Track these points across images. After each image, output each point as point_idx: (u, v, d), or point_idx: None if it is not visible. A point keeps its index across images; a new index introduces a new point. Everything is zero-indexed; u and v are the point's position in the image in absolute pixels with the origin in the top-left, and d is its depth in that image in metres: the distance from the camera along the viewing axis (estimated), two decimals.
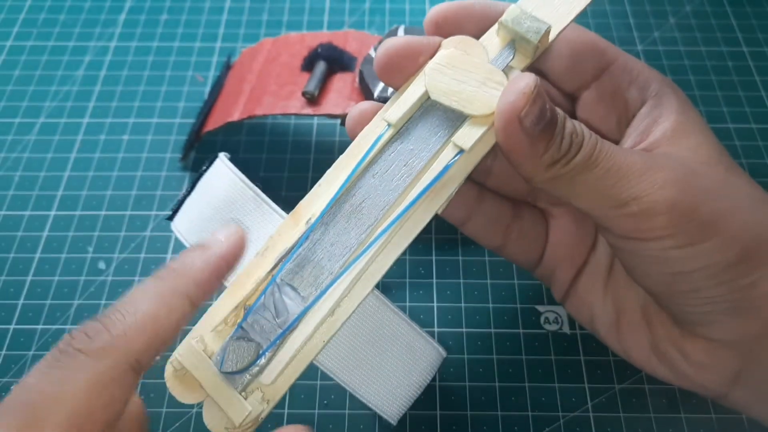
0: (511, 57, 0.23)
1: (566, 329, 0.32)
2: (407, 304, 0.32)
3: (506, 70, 0.23)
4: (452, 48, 0.23)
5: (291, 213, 0.24)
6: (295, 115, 0.32)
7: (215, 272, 0.23)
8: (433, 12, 0.24)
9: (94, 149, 0.39)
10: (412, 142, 0.24)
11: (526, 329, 0.32)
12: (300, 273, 0.23)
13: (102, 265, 0.34)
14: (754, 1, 0.46)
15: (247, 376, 0.22)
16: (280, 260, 0.23)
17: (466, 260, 0.34)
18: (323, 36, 0.34)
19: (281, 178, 0.37)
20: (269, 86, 0.33)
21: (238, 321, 0.23)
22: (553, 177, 0.21)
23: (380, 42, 0.29)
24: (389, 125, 0.24)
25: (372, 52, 0.30)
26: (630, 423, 0.29)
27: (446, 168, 0.23)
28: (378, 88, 0.29)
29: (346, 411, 0.30)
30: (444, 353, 0.25)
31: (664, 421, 0.29)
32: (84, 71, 0.43)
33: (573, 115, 0.26)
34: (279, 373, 0.22)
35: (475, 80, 0.23)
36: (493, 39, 0.24)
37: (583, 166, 0.21)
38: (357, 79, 0.31)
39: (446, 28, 0.24)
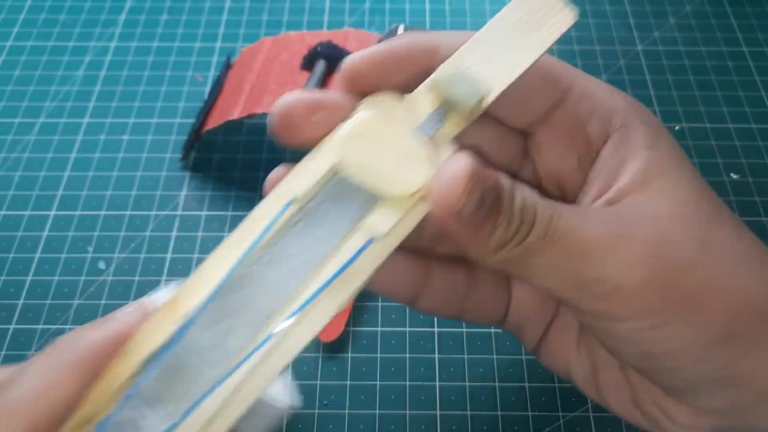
0: (442, 123, 0.20)
1: None
2: None
3: (436, 137, 0.20)
4: (371, 111, 0.20)
5: (167, 302, 0.19)
6: None
7: (111, 344, 0.19)
8: (348, 63, 0.20)
9: (94, 149, 0.39)
10: (318, 223, 0.20)
11: None
12: (169, 380, 0.19)
13: (102, 265, 0.34)
14: (754, 1, 0.46)
15: None
16: (145, 363, 0.19)
17: None
18: (323, 35, 0.34)
19: None
20: (269, 85, 0.33)
21: None
22: (504, 259, 0.18)
23: (380, 41, 0.29)
24: (291, 201, 0.20)
25: None
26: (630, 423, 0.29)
27: (355, 256, 0.20)
28: None
29: (346, 411, 0.30)
30: (285, 407, 0.22)
31: None
32: (84, 71, 0.43)
33: (524, 154, 0.23)
34: None
35: (395, 155, 0.20)
36: (423, 97, 0.20)
37: (537, 246, 0.18)
38: None
39: (367, 82, 0.20)
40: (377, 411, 0.30)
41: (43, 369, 0.18)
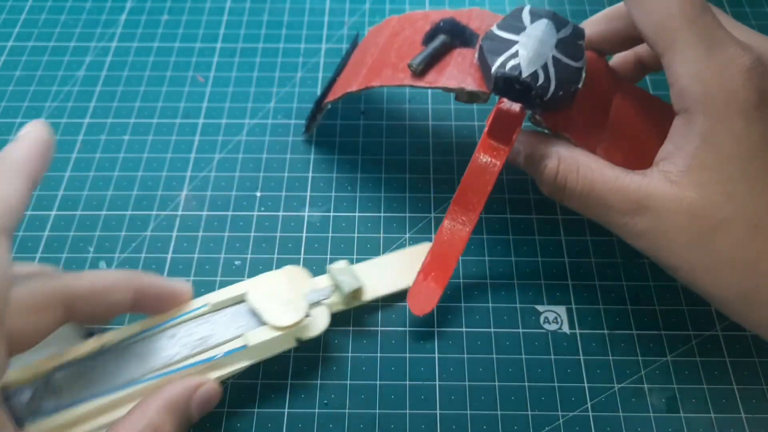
0: (326, 297, 0.30)
1: (566, 329, 0.32)
2: (407, 303, 0.32)
3: (315, 304, 0.30)
4: (283, 271, 0.31)
5: (101, 334, 0.28)
6: (411, 86, 0.32)
7: (37, 153, 0.24)
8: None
9: (95, 149, 0.39)
10: (217, 323, 0.29)
11: (525, 329, 0.32)
12: (74, 380, 0.27)
13: (103, 265, 0.34)
14: (753, 2, 0.46)
15: None
16: (65, 364, 0.27)
17: (466, 260, 0.34)
18: (447, 13, 0.34)
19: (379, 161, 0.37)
20: (390, 59, 0.33)
21: (11, 390, 0.26)
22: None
23: (504, 19, 0.30)
24: (206, 304, 0.29)
25: (494, 28, 0.30)
26: (629, 423, 0.29)
27: (226, 353, 0.28)
28: (496, 63, 0.29)
29: (347, 411, 0.30)
30: None
31: (664, 420, 0.29)
32: (85, 72, 0.43)
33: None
34: None
35: (283, 300, 0.29)
36: (325, 277, 0.31)
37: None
38: (477, 55, 0.31)
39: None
40: (377, 411, 0.30)
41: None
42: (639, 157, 0.29)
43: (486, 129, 0.30)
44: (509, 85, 0.29)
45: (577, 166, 0.27)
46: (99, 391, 0.26)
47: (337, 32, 0.45)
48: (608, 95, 0.31)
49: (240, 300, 0.30)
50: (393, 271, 0.32)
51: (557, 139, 0.29)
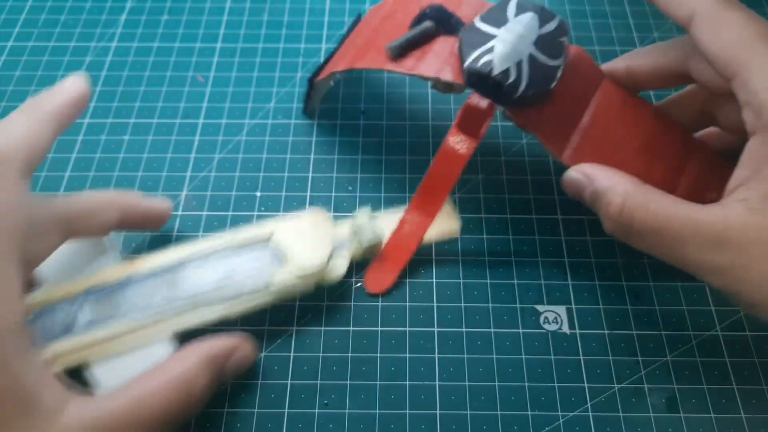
0: (346, 246, 0.31)
1: (566, 329, 0.32)
2: (407, 303, 0.33)
3: (339, 250, 0.31)
4: (310, 215, 0.31)
5: (131, 260, 0.30)
6: (391, 72, 0.32)
7: (71, 103, 0.28)
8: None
9: (95, 149, 0.39)
10: (242, 259, 0.30)
11: (525, 329, 0.32)
12: (104, 302, 0.29)
13: None
14: (754, 2, 0.46)
15: None
16: (94, 287, 0.29)
17: (466, 260, 0.34)
18: None
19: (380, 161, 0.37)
20: (377, 41, 0.33)
21: (41, 310, 0.28)
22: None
23: (489, 10, 0.30)
24: (233, 240, 0.30)
25: (477, 20, 0.30)
26: (629, 423, 0.29)
27: (250, 291, 0.29)
28: (470, 58, 0.28)
29: (347, 411, 0.30)
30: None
31: (664, 421, 0.29)
32: (85, 71, 0.43)
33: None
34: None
35: (307, 243, 0.30)
36: (347, 226, 0.32)
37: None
38: (458, 44, 0.30)
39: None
40: (377, 411, 0.30)
41: (25, 121, 0.26)
42: (609, 162, 0.29)
43: (455, 121, 0.30)
44: (482, 80, 0.28)
45: (647, 201, 0.25)
46: (127, 316, 0.28)
47: (337, 32, 0.45)
48: (588, 95, 0.31)
49: (265, 239, 0.31)
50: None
51: (622, 173, 0.27)
